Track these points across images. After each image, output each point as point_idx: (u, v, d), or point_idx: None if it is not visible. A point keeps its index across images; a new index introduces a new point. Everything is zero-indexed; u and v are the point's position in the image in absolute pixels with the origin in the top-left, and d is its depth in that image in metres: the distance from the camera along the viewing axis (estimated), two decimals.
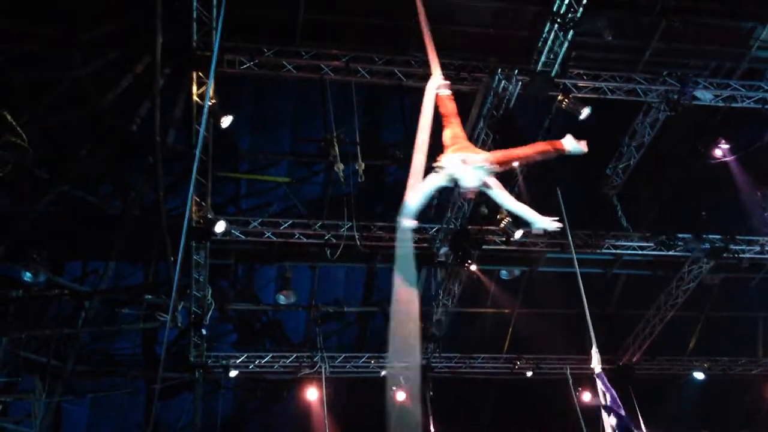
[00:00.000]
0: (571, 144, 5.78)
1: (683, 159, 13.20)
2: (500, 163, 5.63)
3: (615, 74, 11.66)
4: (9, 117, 8.98)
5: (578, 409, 14.44)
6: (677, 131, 12.71)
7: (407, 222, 5.97)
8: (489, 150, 5.89)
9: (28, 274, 11.78)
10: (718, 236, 13.95)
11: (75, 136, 11.43)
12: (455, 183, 5.60)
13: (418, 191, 5.67)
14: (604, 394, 8.63)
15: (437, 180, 5.60)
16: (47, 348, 13.10)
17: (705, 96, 11.88)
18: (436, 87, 6.13)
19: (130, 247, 12.93)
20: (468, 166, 5.48)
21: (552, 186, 13.37)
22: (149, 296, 13.09)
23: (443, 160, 5.57)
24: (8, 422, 13.20)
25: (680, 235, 13.78)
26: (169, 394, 14.69)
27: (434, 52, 6.47)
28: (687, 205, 14.23)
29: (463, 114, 12.03)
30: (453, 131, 5.80)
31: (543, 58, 10.71)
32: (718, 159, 12.62)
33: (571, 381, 14.81)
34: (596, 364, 9.00)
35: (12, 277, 12.09)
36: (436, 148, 5.66)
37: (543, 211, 5.78)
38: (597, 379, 8.87)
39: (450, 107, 5.98)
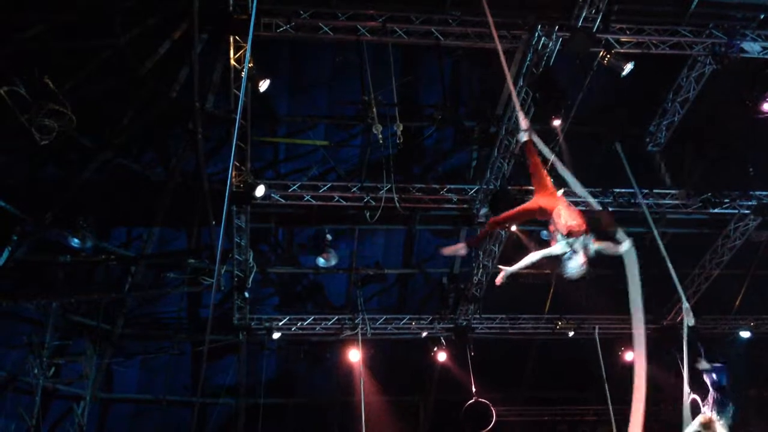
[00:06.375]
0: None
1: (730, 114, 12.82)
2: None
3: (659, 27, 11.27)
4: (52, 85, 9.10)
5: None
6: (724, 86, 12.34)
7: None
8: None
9: (76, 240, 12.02)
10: (766, 193, 13.63)
11: (117, 103, 11.57)
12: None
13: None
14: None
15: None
16: (96, 312, 13.50)
17: (753, 48, 11.44)
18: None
19: (173, 213, 13.15)
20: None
21: (594, 144, 13.17)
22: (192, 260, 13.33)
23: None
24: (61, 383, 13.70)
25: (726, 192, 13.49)
26: (215, 356, 15.01)
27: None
28: (733, 161, 13.87)
29: (502, 72, 11.97)
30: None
31: (584, 13, 10.39)
32: (767, 114, 12.22)
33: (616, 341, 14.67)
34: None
35: (60, 243, 12.36)
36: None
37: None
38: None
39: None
